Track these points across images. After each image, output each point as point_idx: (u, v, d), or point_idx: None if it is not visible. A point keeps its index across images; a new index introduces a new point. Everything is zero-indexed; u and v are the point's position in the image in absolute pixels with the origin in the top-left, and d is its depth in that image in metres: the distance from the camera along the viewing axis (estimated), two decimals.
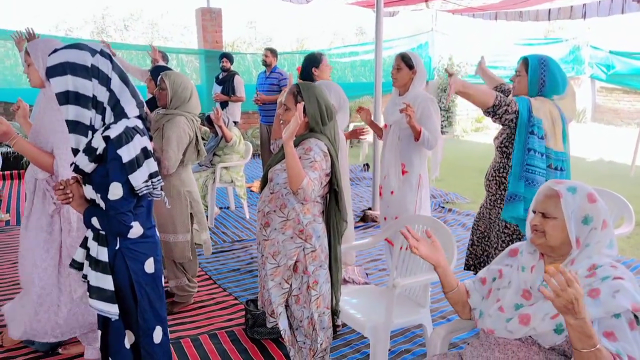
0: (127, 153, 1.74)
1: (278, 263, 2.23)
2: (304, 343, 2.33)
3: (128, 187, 1.77)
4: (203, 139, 4.78)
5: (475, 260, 2.95)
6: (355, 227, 4.83)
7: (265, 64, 6.18)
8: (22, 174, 6.87)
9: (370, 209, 5.47)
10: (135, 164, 1.76)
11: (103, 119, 1.77)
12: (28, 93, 4.01)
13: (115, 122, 1.78)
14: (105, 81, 1.76)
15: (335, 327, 2.40)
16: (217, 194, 5.72)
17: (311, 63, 3.82)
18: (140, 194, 1.81)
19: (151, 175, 1.82)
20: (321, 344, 2.27)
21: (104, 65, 1.76)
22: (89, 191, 1.85)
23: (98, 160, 1.75)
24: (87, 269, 1.90)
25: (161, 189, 1.92)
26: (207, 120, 5.04)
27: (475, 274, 2.37)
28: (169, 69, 4.36)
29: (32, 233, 2.48)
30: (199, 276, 3.79)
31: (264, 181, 2.34)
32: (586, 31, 12.98)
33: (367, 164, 7.80)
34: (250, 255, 4.38)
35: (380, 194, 3.46)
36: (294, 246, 2.21)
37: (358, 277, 3.62)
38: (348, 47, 12.36)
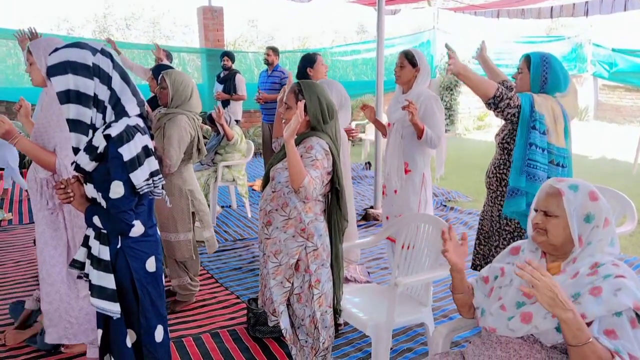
0: (128, 151, 1.74)
1: (280, 262, 2.23)
2: (306, 342, 2.33)
3: (129, 186, 1.77)
4: (204, 137, 4.79)
5: (482, 260, 2.94)
6: (357, 226, 4.82)
7: (267, 62, 6.18)
8: (24, 173, 6.88)
9: (372, 207, 5.47)
10: (136, 162, 1.76)
11: (104, 118, 1.77)
12: (30, 92, 4.01)
13: (116, 120, 1.78)
14: (106, 80, 1.76)
15: (337, 325, 2.40)
16: (219, 192, 5.73)
17: (306, 63, 3.87)
18: (141, 193, 1.81)
19: (152, 174, 1.83)
20: (323, 343, 2.28)
21: (105, 64, 1.76)
22: (90, 190, 1.85)
23: (99, 159, 1.76)
24: (88, 267, 1.90)
25: (162, 188, 1.92)
26: (209, 119, 5.04)
27: None
28: (171, 67, 4.37)
29: (40, 229, 2.48)
30: (201, 275, 3.80)
31: (266, 180, 2.34)
32: (588, 29, 12.93)
33: (369, 163, 7.79)
34: (252, 254, 4.39)
35: (383, 193, 3.44)
36: (295, 245, 2.21)
37: (360, 275, 3.62)
38: (350, 46, 12.35)
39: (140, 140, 1.79)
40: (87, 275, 1.92)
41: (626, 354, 1.40)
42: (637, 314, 1.43)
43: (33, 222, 4.53)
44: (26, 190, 5.86)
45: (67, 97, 1.72)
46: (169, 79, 3.13)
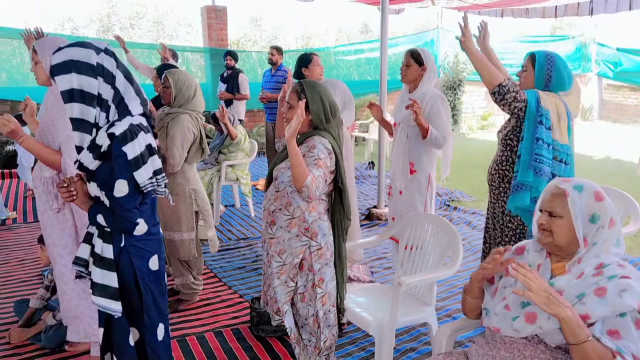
0: (132, 150, 1.74)
1: (284, 261, 2.23)
2: (309, 341, 2.33)
3: (133, 184, 1.78)
4: (208, 137, 4.80)
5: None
6: (361, 226, 4.82)
7: (271, 62, 6.18)
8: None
9: (375, 207, 5.47)
10: (140, 161, 1.76)
11: (107, 117, 1.78)
12: (35, 91, 4.03)
13: (119, 119, 1.78)
14: (110, 79, 1.76)
15: (340, 325, 2.40)
16: (222, 191, 5.73)
17: (301, 63, 3.92)
18: (145, 191, 1.82)
19: (155, 172, 1.83)
20: (324, 342, 2.27)
21: (109, 63, 1.76)
22: (93, 188, 1.85)
23: (102, 158, 1.76)
24: (91, 266, 1.90)
25: (165, 186, 1.92)
26: (213, 118, 5.04)
27: None
28: (176, 67, 4.37)
29: (47, 231, 2.48)
30: (204, 274, 3.80)
31: (269, 179, 2.34)
32: (593, 28, 12.88)
33: (373, 162, 7.79)
34: (255, 253, 4.39)
35: (389, 194, 3.41)
36: (299, 244, 2.21)
37: (363, 275, 3.62)
38: (353, 45, 12.35)
39: (144, 139, 1.79)
40: (89, 274, 1.92)
41: (630, 354, 1.40)
42: None
43: (37, 221, 4.56)
44: (30, 189, 5.88)
45: (70, 96, 1.72)
46: (172, 78, 3.13)
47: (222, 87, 6.78)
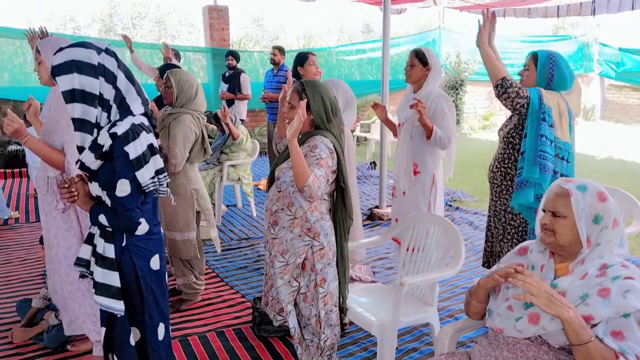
0: (134, 150, 1.75)
1: (287, 261, 2.23)
2: (312, 341, 2.33)
3: (135, 184, 1.78)
4: (210, 137, 4.80)
5: (491, 257, 2.94)
6: (362, 226, 4.82)
7: (273, 62, 6.18)
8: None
9: (377, 207, 5.46)
10: (142, 160, 1.77)
11: (109, 117, 1.78)
12: (37, 91, 4.03)
13: (121, 119, 1.78)
14: (111, 79, 1.76)
15: (342, 325, 2.39)
16: (224, 191, 5.73)
17: (297, 61, 3.95)
18: (147, 191, 1.82)
19: (157, 172, 1.83)
20: (325, 341, 2.27)
21: (110, 63, 1.77)
22: (94, 188, 1.86)
23: (104, 158, 1.76)
24: (93, 265, 1.91)
25: (167, 186, 1.92)
26: (214, 118, 5.05)
27: None
28: (178, 67, 4.37)
29: (52, 232, 2.48)
30: (206, 274, 3.80)
31: (271, 179, 2.34)
32: (596, 28, 12.86)
33: (374, 162, 7.78)
34: (257, 253, 4.39)
35: (393, 195, 3.38)
36: (302, 244, 2.21)
37: (365, 275, 3.61)
38: (355, 45, 12.35)
39: (146, 139, 1.80)
40: (91, 274, 1.93)
41: (633, 355, 1.40)
42: None
43: (39, 221, 4.56)
44: (34, 189, 5.89)
45: (72, 96, 1.72)
46: (173, 78, 3.13)
47: (224, 87, 6.79)
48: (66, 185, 1.86)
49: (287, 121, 2.26)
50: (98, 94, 1.74)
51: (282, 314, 2.29)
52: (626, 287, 1.43)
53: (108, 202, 1.82)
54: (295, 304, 2.32)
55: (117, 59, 1.79)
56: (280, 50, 6.19)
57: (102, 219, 1.82)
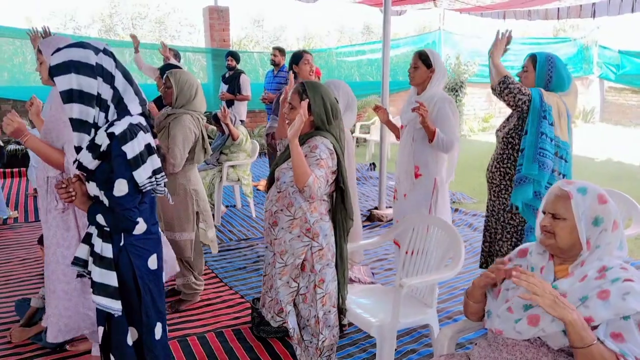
0: (131, 149, 1.75)
1: (285, 262, 2.23)
2: (311, 342, 2.33)
3: (133, 184, 1.78)
4: (210, 137, 4.80)
5: (489, 258, 2.95)
6: (362, 227, 4.82)
7: (273, 63, 6.19)
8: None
9: (376, 208, 5.46)
10: (140, 160, 1.77)
11: (106, 117, 1.78)
12: (37, 91, 4.02)
13: (118, 119, 1.78)
14: (109, 79, 1.76)
15: (342, 326, 2.39)
16: (223, 192, 5.73)
17: (292, 60, 3.94)
18: (144, 190, 1.82)
19: (155, 172, 1.84)
20: (323, 341, 2.27)
21: (108, 63, 1.77)
22: (92, 188, 1.86)
23: (102, 157, 1.76)
24: (91, 265, 1.91)
25: (165, 186, 1.92)
26: (214, 119, 5.05)
27: None
28: (178, 67, 4.37)
29: (51, 232, 2.47)
30: (205, 274, 3.80)
31: (271, 180, 2.34)
32: (596, 30, 12.88)
33: (374, 164, 7.79)
34: (256, 254, 4.39)
35: (394, 197, 3.35)
36: (301, 245, 2.21)
37: (364, 276, 3.61)
38: (355, 46, 12.36)
39: (143, 139, 1.80)
40: (88, 273, 1.92)
41: (633, 357, 1.40)
42: None
43: (38, 221, 4.56)
44: (34, 189, 5.88)
45: (70, 96, 1.72)
46: (173, 78, 3.13)
47: (224, 87, 6.79)
48: (64, 186, 1.86)
49: (287, 122, 2.26)
50: (96, 94, 1.74)
51: (281, 315, 2.29)
52: (625, 290, 1.43)
53: (106, 201, 1.82)
54: (295, 305, 2.31)
55: (114, 59, 1.79)
56: (281, 51, 6.19)
57: (100, 218, 1.82)
